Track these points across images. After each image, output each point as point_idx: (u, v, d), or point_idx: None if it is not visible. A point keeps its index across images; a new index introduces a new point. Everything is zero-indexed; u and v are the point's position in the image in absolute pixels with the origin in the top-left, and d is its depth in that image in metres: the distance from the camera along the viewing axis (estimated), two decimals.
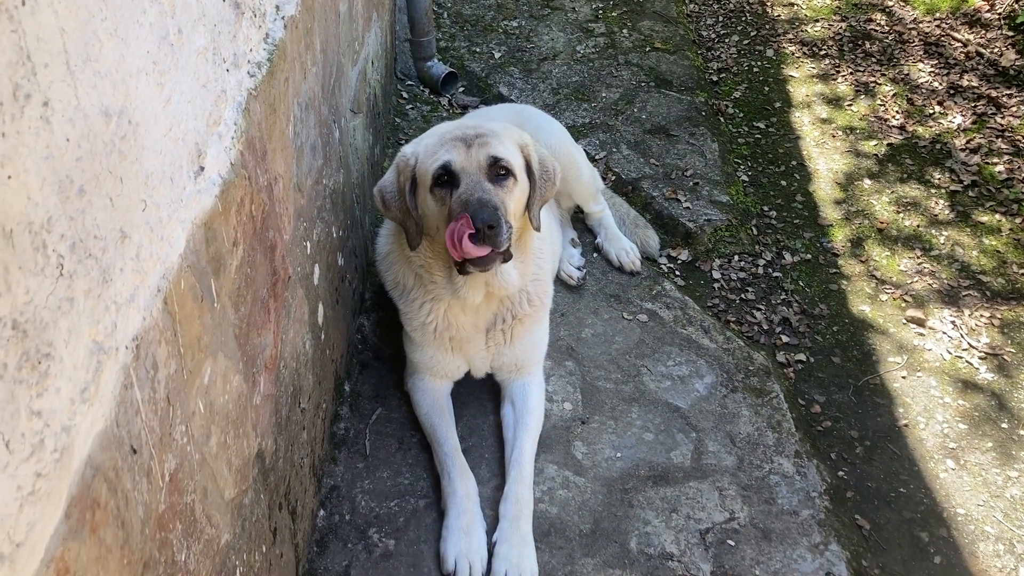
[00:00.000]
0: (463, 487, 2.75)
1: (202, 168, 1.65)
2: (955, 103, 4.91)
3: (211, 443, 1.76)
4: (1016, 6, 5.37)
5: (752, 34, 5.65)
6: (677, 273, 3.90)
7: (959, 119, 4.79)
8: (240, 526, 1.99)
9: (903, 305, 3.80)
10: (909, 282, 3.91)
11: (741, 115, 4.91)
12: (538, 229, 2.76)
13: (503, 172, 2.58)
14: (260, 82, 2.00)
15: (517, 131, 2.77)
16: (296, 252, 2.37)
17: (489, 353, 2.95)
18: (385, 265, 3.01)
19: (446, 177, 2.56)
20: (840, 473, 3.13)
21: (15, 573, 1.03)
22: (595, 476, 2.97)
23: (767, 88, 5.12)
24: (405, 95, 4.81)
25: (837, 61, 5.34)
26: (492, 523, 2.76)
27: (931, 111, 4.86)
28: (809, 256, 4.02)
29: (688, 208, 4.17)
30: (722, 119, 4.86)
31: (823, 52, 5.44)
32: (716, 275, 3.89)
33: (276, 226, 2.16)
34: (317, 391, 2.68)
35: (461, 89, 4.99)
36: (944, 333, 3.67)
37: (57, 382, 1.09)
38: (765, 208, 4.27)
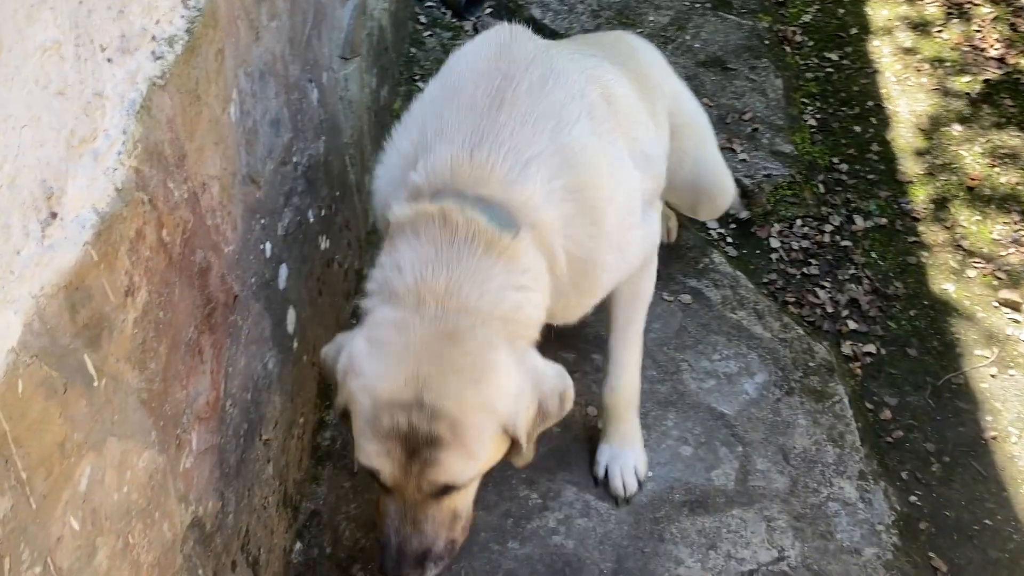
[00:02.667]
0: None
1: (54, 215, 1.19)
2: None
3: (97, 560, 1.35)
4: None
5: None
6: (728, 241, 3.36)
7: None
8: None
9: (995, 283, 3.23)
10: (1003, 254, 3.32)
11: (810, 44, 4.23)
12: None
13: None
14: (172, 65, 1.51)
15: (505, 396, 1.71)
16: (247, 262, 1.92)
17: None
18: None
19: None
20: (912, 498, 2.65)
21: None
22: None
23: (841, 10, 4.41)
24: (423, 19, 4.24)
25: None
26: None
27: None
28: (884, 220, 3.44)
29: (744, 160, 3.59)
30: (788, 48, 4.20)
31: None
32: (774, 243, 3.35)
33: (209, 243, 1.71)
34: (288, 410, 2.26)
35: (488, 11, 4.39)
36: None
37: None
38: (834, 160, 3.67)
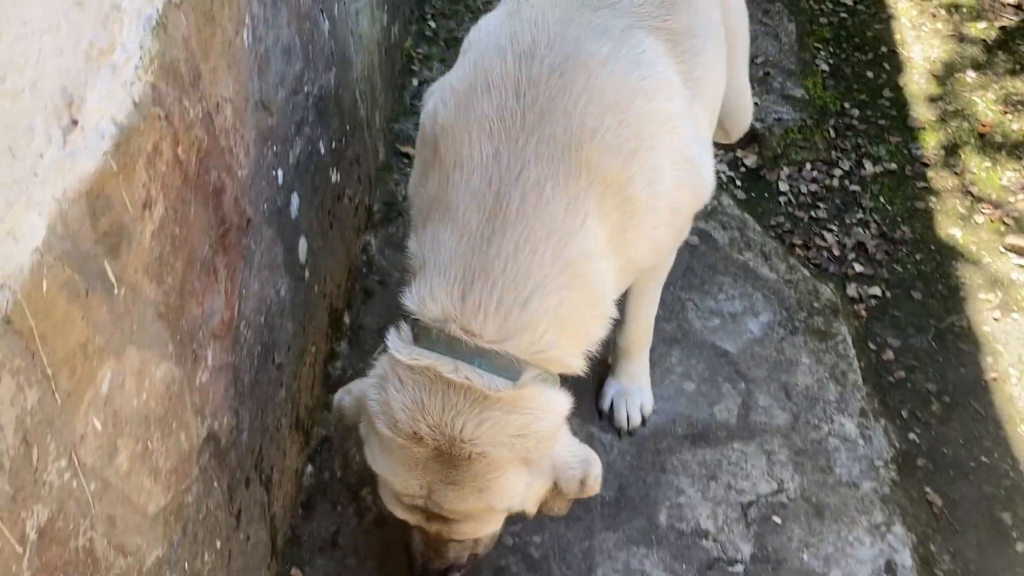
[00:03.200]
0: None
1: (75, 122, 1.22)
2: None
3: (118, 461, 1.41)
4: None
5: None
6: (738, 184, 3.37)
7: None
8: (180, 531, 1.67)
9: (1002, 229, 3.24)
10: (1012, 201, 3.33)
11: None
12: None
13: None
14: None
15: (510, 497, 1.80)
16: (260, 187, 1.95)
17: None
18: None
19: None
20: (911, 436, 2.70)
21: None
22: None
23: None
24: None
25: None
26: None
27: None
28: (894, 166, 3.44)
29: (756, 104, 3.58)
30: None
31: None
32: (783, 187, 3.36)
33: (223, 164, 1.74)
34: (300, 337, 2.31)
35: None
36: None
37: None
38: (846, 105, 3.66)
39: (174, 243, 1.55)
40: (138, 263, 1.43)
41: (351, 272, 2.81)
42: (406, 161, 3.27)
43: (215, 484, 1.82)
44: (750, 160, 3.44)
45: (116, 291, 1.36)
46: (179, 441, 1.64)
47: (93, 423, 1.33)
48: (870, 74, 3.79)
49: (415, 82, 3.59)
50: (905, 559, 2.38)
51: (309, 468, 2.44)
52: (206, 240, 1.68)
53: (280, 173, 2.07)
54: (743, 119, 2.82)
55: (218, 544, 1.85)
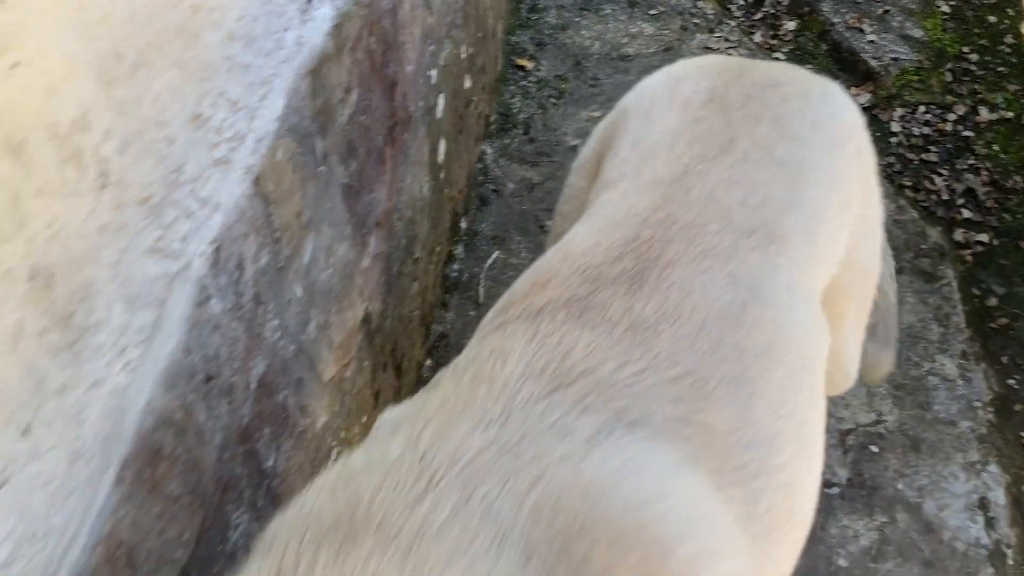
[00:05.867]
0: None
1: (308, 1, 1.29)
2: None
3: (309, 328, 1.51)
4: None
5: None
6: None
7: None
8: (339, 403, 1.79)
9: None
10: None
11: None
12: None
13: None
14: None
15: None
16: (419, 85, 2.01)
17: None
18: None
19: None
20: (1010, 381, 2.73)
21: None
22: None
23: None
24: None
25: None
26: None
27: None
28: (1011, 114, 3.40)
29: (873, 42, 3.55)
30: None
31: None
32: (895, 127, 3.34)
33: (398, 58, 1.80)
34: (432, 236, 2.40)
35: None
36: None
37: (98, 336, 0.82)
38: (965, 50, 3.60)
39: (360, 129, 1.62)
40: (334, 145, 1.51)
41: (470, 179, 2.88)
42: (521, 74, 3.30)
43: (364, 363, 1.93)
44: (863, 98, 3.41)
45: (320, 168, 1.45)
46: (346, 318, 1.74)
47: (296, 290, 1.42)
48: (992, 18, 3.72)
49: None
50: (999, 497, 2.44)
51: (428, 361, 2.55)
52: (381, 130, 1.76)
53: (434, 73, 2.13)
54: (839, 385, 2.03)
55: (363, 419, 1.97)
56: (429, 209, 2.31)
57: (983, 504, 2.43)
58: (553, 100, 3.30)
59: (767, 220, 1.27)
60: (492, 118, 3.12)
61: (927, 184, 3.19)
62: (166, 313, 0.94)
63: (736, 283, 1.19)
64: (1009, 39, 3.64)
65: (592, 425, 0.98)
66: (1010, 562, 2.35)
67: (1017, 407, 2.69)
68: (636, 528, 0.89)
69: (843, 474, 2.47)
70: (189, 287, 1.00)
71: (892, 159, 3.25)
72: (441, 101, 2.25)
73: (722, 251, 1.21)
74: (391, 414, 1.13)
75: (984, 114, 3.39)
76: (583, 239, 1.28)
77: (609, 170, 1.42)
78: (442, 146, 2.34)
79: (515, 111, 3.17)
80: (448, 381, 1.08)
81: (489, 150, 3.05)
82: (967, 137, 3.33)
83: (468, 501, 0.85)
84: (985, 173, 3.23)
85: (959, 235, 3.07)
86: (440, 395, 1.04)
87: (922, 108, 3.40)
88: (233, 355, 1.16)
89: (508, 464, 0.90)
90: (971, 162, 3.26)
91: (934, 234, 3.01)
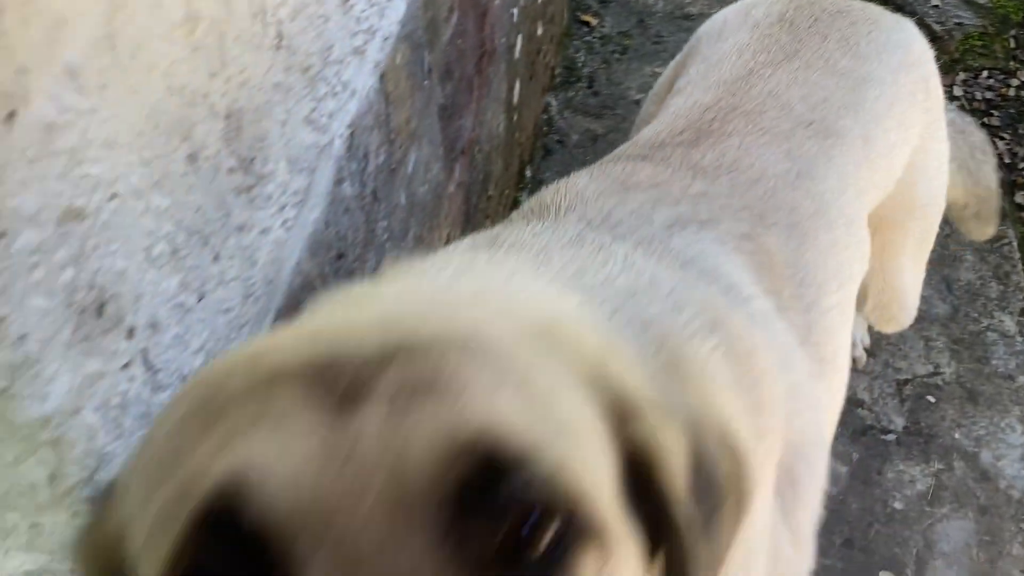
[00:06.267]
0: None
1: None
2: None
3: (408, 237, 1.58)
4: None
5: None
6: None
7: None
8: None
9: None
10: None
11: None
12: None
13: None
14: None
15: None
16: (503, 20, 2.07)
17: None
18: None
19: None
20: None
21: None
22: None
23: None
24: None
25: None
26: None
27: None
28: None
29: (937, 6, 3.55)
30: None
31: None
32: (957, 92, 3.34)
33: None
34: (504, 177, 2.46)
35: None
36: None
37: (268, 186, 0.89)
38: None
39: (456, 52, 1.69)
40: (436, 61, 1.57)
41: (536, 128, 2.94)
42: (585, 29, 3.35)
43: None
44: None
45: (425, 82, 1.51)
46: (434, 238, 1.81)
47: (401, 197, 1.49)
48: None
49: None
50: None
51: None
52: (471, 59, 1.82)
53: (515, 12, 2.19)
54: (897, 319, 2.10)
55: None
56: (503, 150, 2.37)
57: None
58: (617, 56, 3.34)
59: (826, 117, 1.34)
60: (557, 71, 3.17)
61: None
62: (314, 182, 1.02)
63: (792, 158, 1.26)
64: None
65: (668, 216, 1.08)
66: None
67: None
68: (724, 309, 0.95)
69: (899, 422, 2.51)
70: (331, 164, 1.07)
71: None
72: (519, 41, 2.31)
73: (780, 132, 1.29)
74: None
75: None
76: (648, 129, 1.36)
77: (679, 83, 1.49)
78: (517, 87, 2.40)
79: (579, 65, 3.22)
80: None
81: (554, 102, 3.11)
82: None
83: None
84: None
85: (1020, 197, 3.08)
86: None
87: (985, 73, 3.40)
88: (356, 241, 1.23)
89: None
90: None
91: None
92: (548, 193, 1.17)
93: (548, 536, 0.52)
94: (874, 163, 1.40)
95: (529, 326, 0.61)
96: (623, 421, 0.60)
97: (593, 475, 0.57)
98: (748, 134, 1.26)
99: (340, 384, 0.52)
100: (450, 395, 0.53)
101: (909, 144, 1.52)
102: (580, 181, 1.19)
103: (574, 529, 0.53)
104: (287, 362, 0.54)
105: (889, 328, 2.20)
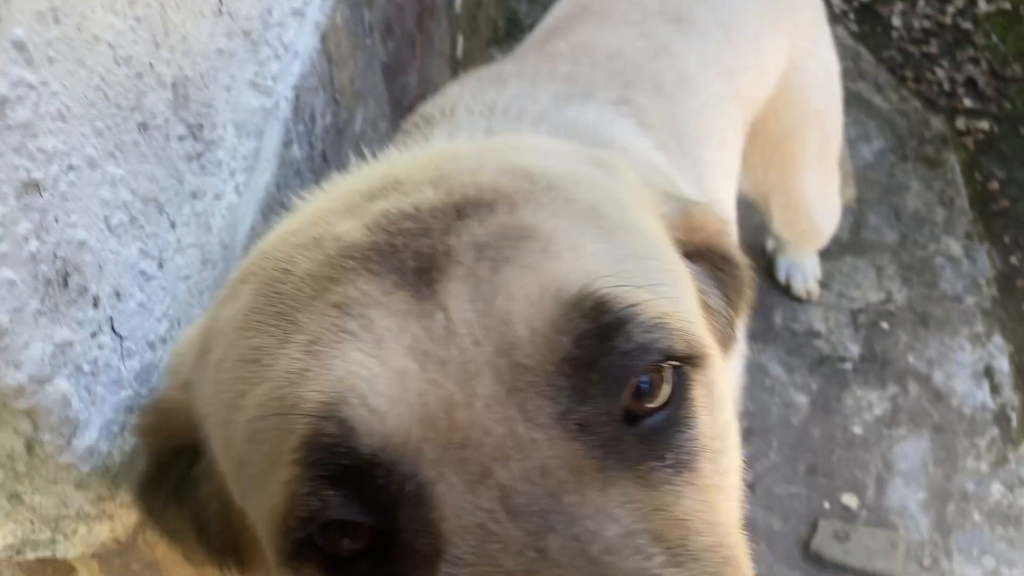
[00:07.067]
0: None
1: None
2: None
3: None
4: None
5: None
6: (851, 17, 3.41)
7: None
8: None
9: None
10: None
11: None
12: None
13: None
14: None
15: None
16: None
17: None
18: None
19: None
20: (1012, 259, 2.84)
21: None
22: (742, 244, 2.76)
23: None
24: None
25: None
26: None
27: None
28: (1008, 5, 3.46)
29: None
30: None
31: None
32: (896, 22, 3.40)
33: None
34: None
35: None
36: None
37: (218, 152, 0.90)
38: None
39: (397, 9, 1.68)
40: (376, 20, 1.57)
41: None
42: None
43: None
44: None
45: (367, 41, 1.51)
46: None
47: (349, 157, 1.50)
48: None
49: None
50: (1003, 365, 2.56)
51: None
52: (412, 15, 1.81)
53: None
54: (807, 234, 2.13)
55: None
56: None
57: (988, 372, 2.56)
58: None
59: (678, 7, 1.38)
60: (500, 23, 3.16)
61: (928, 76, 3.26)
62: (263, 146, 1.02)
63: (646, 38, 1.32)
64: None
65: (550, 93, 1.13)
66: (1014, 424, 2.48)
67: (1019, 283, 2.80)
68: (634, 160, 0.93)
69: (855, 350, 2.58)
70: (279, 127, 1.07)
71: (894, 52, 3.31)
72: None
73: (631, 21, 1.34)
74: None
75: (983, 5, 3.45)
76: None
77: None
78: (460, 42, 2.39)
79: (522, 15, 3.21)
80: None
81: (499, 54, 3.10)
82: (966, 29, 3.39)
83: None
84: (985, 63, 3.30)
85: (961, 123, 3.15)
86: None
87: (922, 2, 3.45)
88: None
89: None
90: (970, 53, 3.32)
91: (937, 123, 3.09)
92: (426, 107, 1.20)
93: (668, 382, 0.51)
94: (737, 47, 1.42)
95: (582, 160, 0.60)
96: (691, 231, 0.66)
97: (689, 301, 0.57)
98: (599, 26, 1.33)
99: (408, 261, 0.49)
100: (538, 249, 0.50)
101: (780, 38, 1.52)
102: (452, 89, 1.24)
103: (687, 365, 0.53)
104: (356, 244, 0.52)
105: (806, 244, 2.25)
